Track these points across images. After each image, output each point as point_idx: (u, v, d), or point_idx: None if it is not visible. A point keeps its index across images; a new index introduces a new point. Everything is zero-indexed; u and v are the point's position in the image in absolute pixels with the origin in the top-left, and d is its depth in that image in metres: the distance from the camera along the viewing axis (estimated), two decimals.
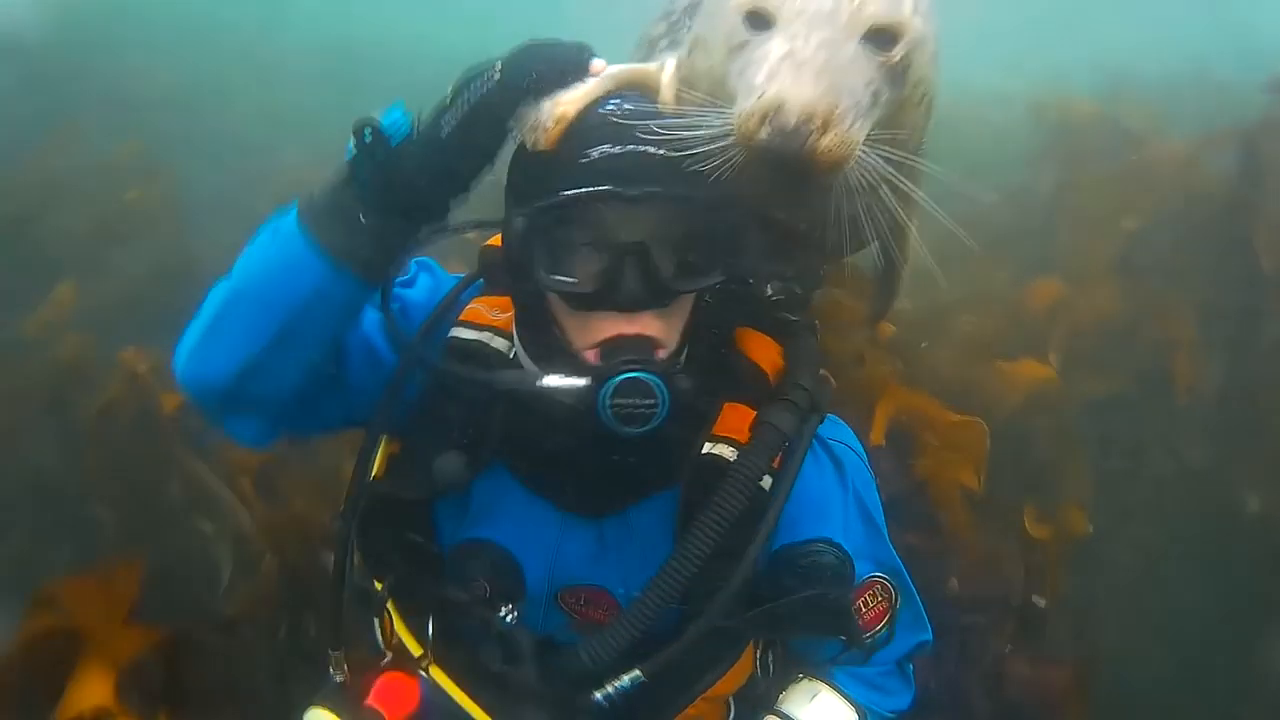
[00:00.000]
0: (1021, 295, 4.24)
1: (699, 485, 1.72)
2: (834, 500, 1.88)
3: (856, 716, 1.88)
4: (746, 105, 1.43)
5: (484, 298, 1.88)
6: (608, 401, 1.56)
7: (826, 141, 1.41)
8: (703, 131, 1.48)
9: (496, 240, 1.83)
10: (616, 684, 1.72)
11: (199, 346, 1.66)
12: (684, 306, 1.70)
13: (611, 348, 1.62)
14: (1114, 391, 4.02)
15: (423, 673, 1.83)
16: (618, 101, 1.64)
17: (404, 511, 1.86)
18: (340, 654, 1.92)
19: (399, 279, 1.91)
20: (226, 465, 3.66)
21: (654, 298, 1.61)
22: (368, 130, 1.53)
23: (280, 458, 3.63)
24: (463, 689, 1.80)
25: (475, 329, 1.84)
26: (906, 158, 1.52)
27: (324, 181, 1.60)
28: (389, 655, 1.91)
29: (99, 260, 5.85)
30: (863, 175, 1.49)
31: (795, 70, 1.43)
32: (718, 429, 1.78)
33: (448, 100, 1.55)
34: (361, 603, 1.95)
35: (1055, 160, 5.35)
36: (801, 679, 1.94)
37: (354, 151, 1.55)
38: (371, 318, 1.83)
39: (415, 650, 1.85)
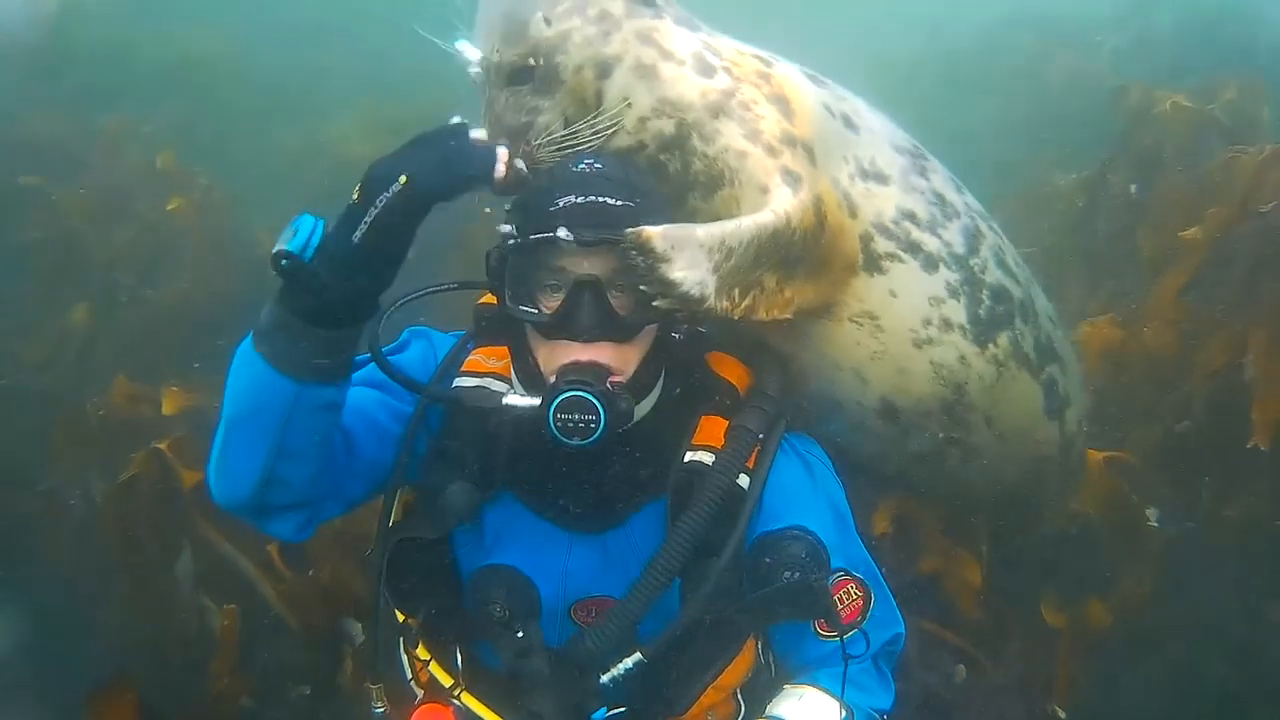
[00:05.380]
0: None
1: (683, 490, 2.08)
2: (806, 495, 2.21)
3: (843, 712, 2.11)
4: None
5: (482, 349, 2.24)
6: (554, 416, 1.88)
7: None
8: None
9: (490, 298, 2.24)
10: (621, 667, 2.04)
11: (219, 472, 1.96)
12: (642, 339, 2.03)
13: (568, 370, 1.94)
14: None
15: (455, 701, 2.16)
16: (590, 160, 2.07)
17: (426, 549, 2.18)
18: (379, 687, 2.28)
19: (389, 349, 2.25)
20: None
21: (606, 329, 1.96)
22: (283, 260, 1.76)
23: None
24: (491, 709, 2.14)
25: (477, 376, 2.18)
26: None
27: (267, 303, 1.85)
28: (422, 693, 2.24)
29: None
30: None
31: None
32: (697, 439, 2.15)
33: (355, 202, 1.80)
34: (394, 640, 2.30)
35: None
36: (787, 687, 2.19)
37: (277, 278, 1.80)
38: (371, 397, 2.17)
39: (446, 681, 2.19)
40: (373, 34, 8.48)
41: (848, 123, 2.48)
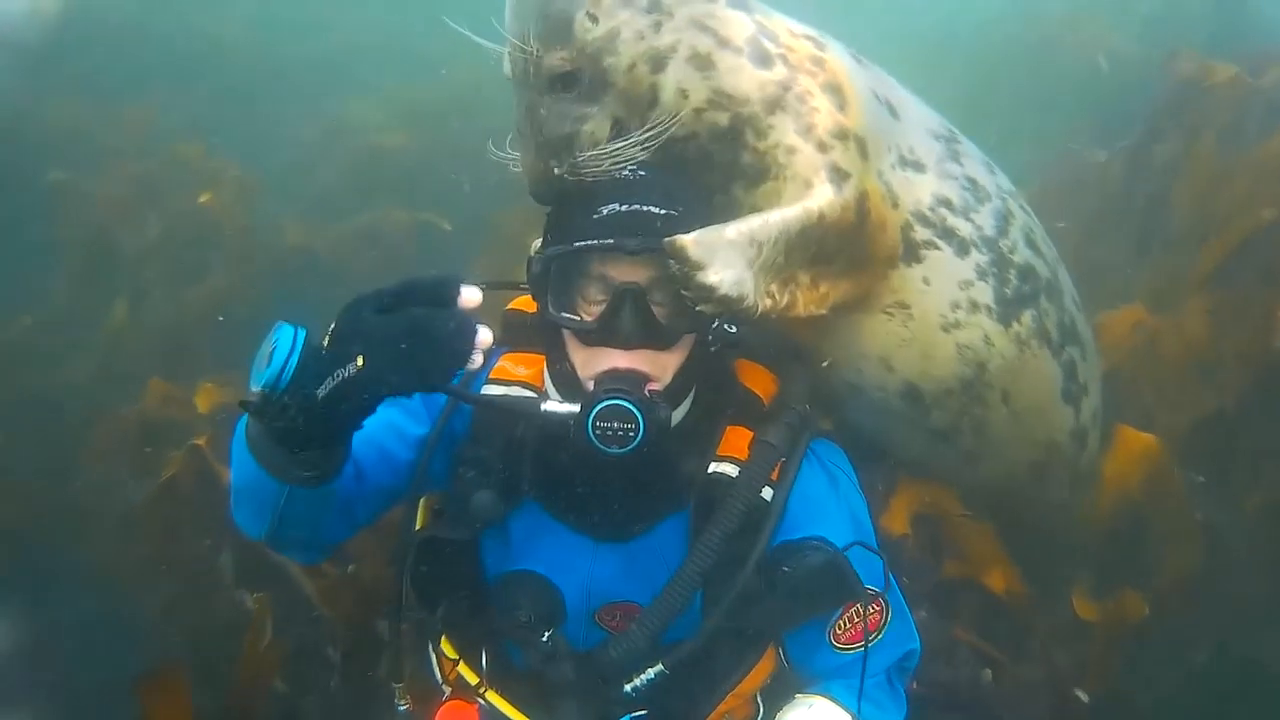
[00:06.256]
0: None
1: (706, 502, 2.10)
2: (828, 506, 2.22)
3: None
4: None
5: (509, 355, 2.23)
6: (593, 424, 1.88)
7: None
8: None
9: (518, 303, 2.26)
10: (643, 677, 2.07)
11: (234, 508, 2.02)
12: (681, 348, 2.04)
13: (607, 378, 1.94)
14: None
15: (481, 700, 2.20)
16: (634, 168, 2.05)
17: (453, 552, 2.21)
18: (403, 685, 2.34)
19: None
20: None
21: (648, 336, 1.97)
22: (250, 402, 1.67)
23: None
24: (517, 708, 2.17)
25: (504, 385, 2.17)
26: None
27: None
28: (449, 690, 2.29)
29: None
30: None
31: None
32: (721, 450, 2.16)
33: (326, 346, 1.64)
34: (420, 637, 2.35)
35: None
36: (798, 696, 2.21)
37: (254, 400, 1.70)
38: (384, 420, 2.13)
39: (472, 679, 2.23)
40: (396, 18, 8.47)
41: (891, 110, 2.46)
